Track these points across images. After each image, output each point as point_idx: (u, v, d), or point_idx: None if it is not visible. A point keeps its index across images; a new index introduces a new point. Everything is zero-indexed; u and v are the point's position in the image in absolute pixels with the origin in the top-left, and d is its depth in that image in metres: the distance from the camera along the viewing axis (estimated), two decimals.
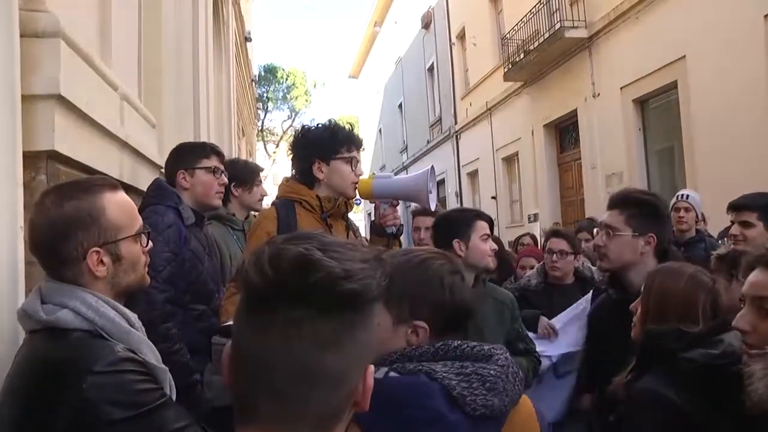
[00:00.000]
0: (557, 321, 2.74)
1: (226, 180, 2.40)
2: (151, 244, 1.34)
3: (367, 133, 30.19)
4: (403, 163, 21.78)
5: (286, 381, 0.62)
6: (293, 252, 0.62)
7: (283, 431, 0.63)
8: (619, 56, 9.12)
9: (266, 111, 29.70)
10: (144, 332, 1.27)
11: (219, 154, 2.40)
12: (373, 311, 0.65)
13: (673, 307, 1.51)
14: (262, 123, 28.24)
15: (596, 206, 9.10)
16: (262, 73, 28.29)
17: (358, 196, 2.25)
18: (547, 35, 10.32)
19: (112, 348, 1.13)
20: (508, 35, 11.98)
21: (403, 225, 2.26)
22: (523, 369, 2.24)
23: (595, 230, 2.11)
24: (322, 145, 2.17)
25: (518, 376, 1.04)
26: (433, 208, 2.23)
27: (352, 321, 0.63)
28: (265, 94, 28.85)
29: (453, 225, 2.29)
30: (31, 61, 1.67)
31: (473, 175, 16.10)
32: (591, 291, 2.61)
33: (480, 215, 2.34)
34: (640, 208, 2.03)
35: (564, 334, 2.67)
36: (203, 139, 5.19)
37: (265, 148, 30.25)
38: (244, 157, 13.99)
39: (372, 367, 0.67)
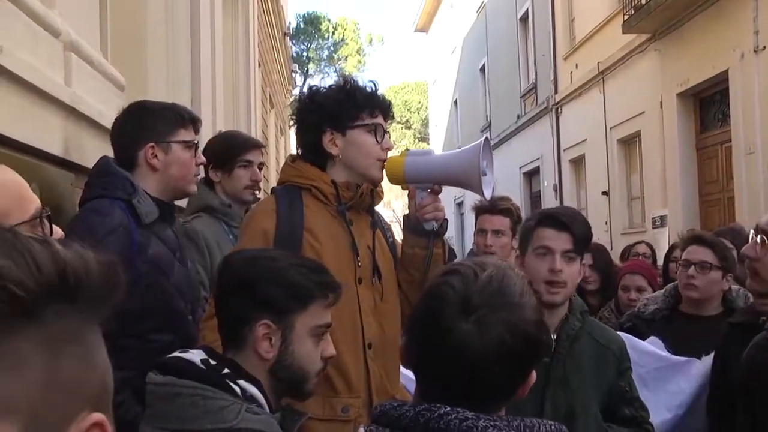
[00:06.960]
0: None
1: (204, 158, 2.46)
2: (59, 231, 1.32)
3: (438, 104, 30.30)
4: None
5: None
6: None
7: None
8: None
9: (306, 75, 30.21)
10: None
11: (197, 122, 2.40)
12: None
13: None
14: (300, 91, 28.65)
15: (753, 208, 8.71)
16: (301, 26, 28.61)
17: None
18: None
19: None
20: None
21: (447, 220, 2.26)
22: None
23: (750, 234, 1.94)
24: (335, 109, 2.17)
25: None
26: (488, 196, 2.17)
27: None
28: (304, 53, 29.25)
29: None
30: None
31: (578, 162, 15.92)
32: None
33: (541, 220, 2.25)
34: None
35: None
36: (206, 110, 5.20)
37: None
38: (272, 135, 14.18)
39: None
